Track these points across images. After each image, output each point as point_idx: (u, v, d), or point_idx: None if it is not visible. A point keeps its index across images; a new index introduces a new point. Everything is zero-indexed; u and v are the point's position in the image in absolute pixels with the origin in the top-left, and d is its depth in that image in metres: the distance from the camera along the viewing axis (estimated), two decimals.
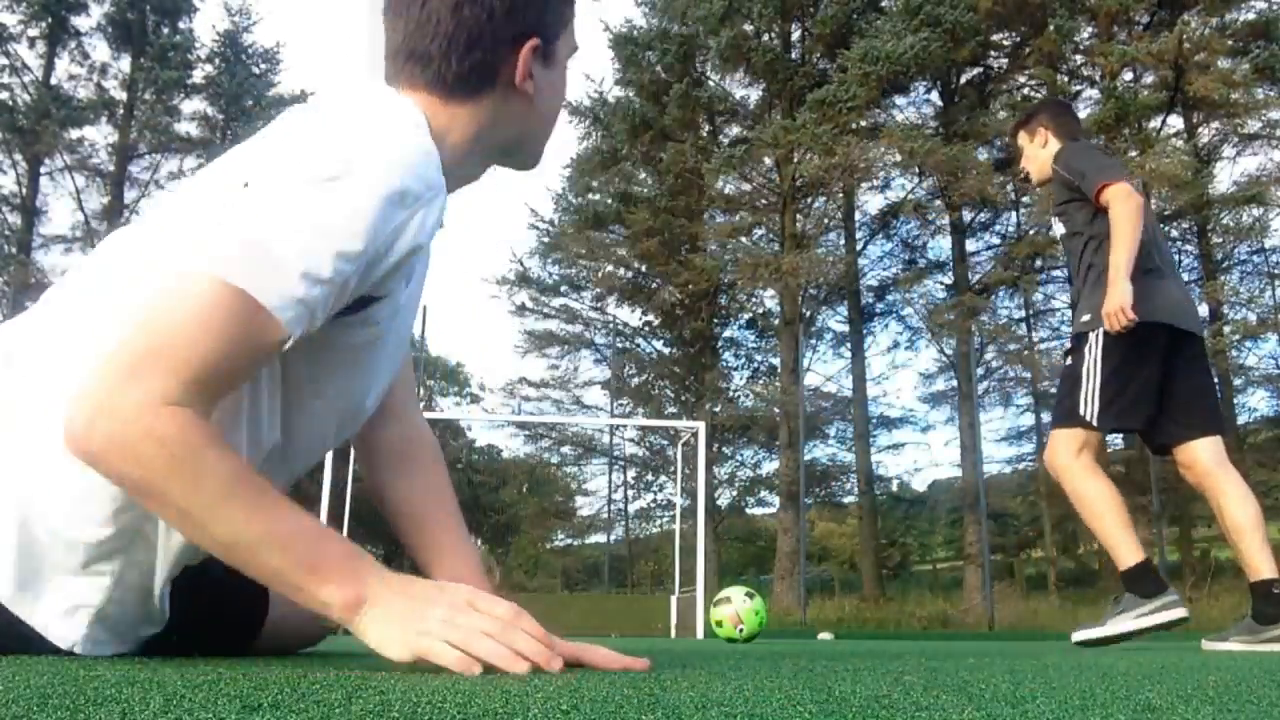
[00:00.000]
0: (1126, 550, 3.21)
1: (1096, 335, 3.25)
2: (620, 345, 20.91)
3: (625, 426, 19.01)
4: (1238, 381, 17.93)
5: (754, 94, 20.40)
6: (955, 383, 19.16)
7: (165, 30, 20.82)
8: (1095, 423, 3.23)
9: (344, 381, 1.24)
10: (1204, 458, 3.22)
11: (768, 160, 18.99)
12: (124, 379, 0.98)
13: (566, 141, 21.60)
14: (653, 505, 22.82)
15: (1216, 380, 16.64)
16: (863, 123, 18.08)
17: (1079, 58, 18.83)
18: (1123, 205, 3.20)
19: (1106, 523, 3.29)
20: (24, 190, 19.44)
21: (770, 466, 20.45)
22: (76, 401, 1.00)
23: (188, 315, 1.00)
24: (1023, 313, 20.79)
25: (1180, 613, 3.12)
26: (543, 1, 1.27)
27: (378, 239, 1.06)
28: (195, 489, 1.00)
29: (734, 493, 21.57)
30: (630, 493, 21.19)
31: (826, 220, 20.42)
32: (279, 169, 1.08)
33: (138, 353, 1.00)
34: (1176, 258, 19.25)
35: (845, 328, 20.90)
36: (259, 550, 1.03)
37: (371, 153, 1.07)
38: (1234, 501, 3.11)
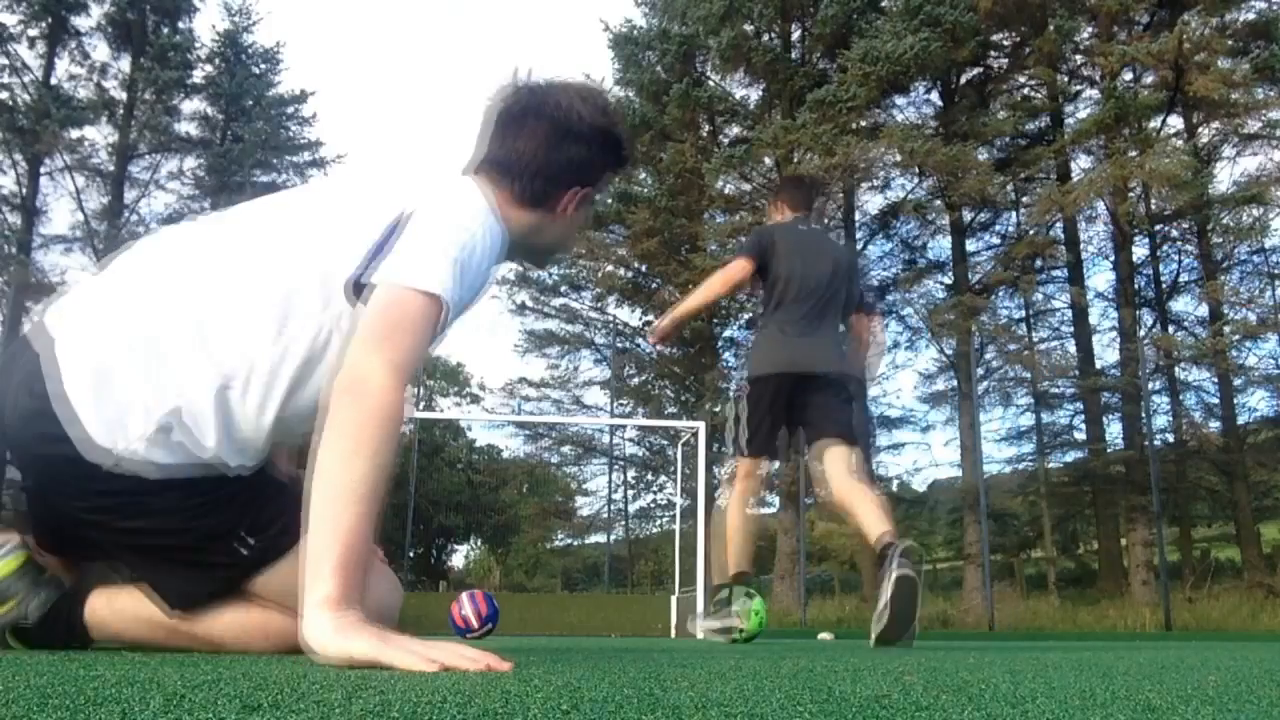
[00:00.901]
0: (736, 566, 4.02)
1: (740, 390, 4.17)
2: (620, 345, 20.90)
3: (625, 426, 19.00)
4: (1238, 381, 17.90)
5: (754, 94, 20.40)
6: (955, 383, 19.14)
7: (165, 30, 20.79)
8: (745, 452, 4.10)
9: None
10: (828, 458, 3.92)
11: (768, 160, 18.97)
12: (370, 350, 1.44)
13: None
14: (653, 505, 22.81)
15: (1216, 380, 16.49)
16: (863, 123, 18.06)
17: (1079, 58, 18.82)
18: (720, 271, 4.14)
19: (736, 542, 4.06)
20: (24, 190, 19.41)
21: (770, 466, 20.42)
22: (349, 358, 1.45)
23: (409, 316, 1.48)
24: (1023, 313, 20.79)
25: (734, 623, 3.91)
26: (600, 168, 1.84)
27: (481, 280, 1.64)
28: (373, 440, 1.38)
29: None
30: (630, 493, 21.18)
31: (826, 220, 20.41)
32: (436, 222, 1.58)
33: (379, 334, 1.45)
34: (1176, 258, 19.36)
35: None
36: (345, 511, 1.33)
37: (486, 229, 1.63)
38: (832, 486, 3.92)
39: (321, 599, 1.27)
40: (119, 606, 1.67)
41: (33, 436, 1.51)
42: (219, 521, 1.59)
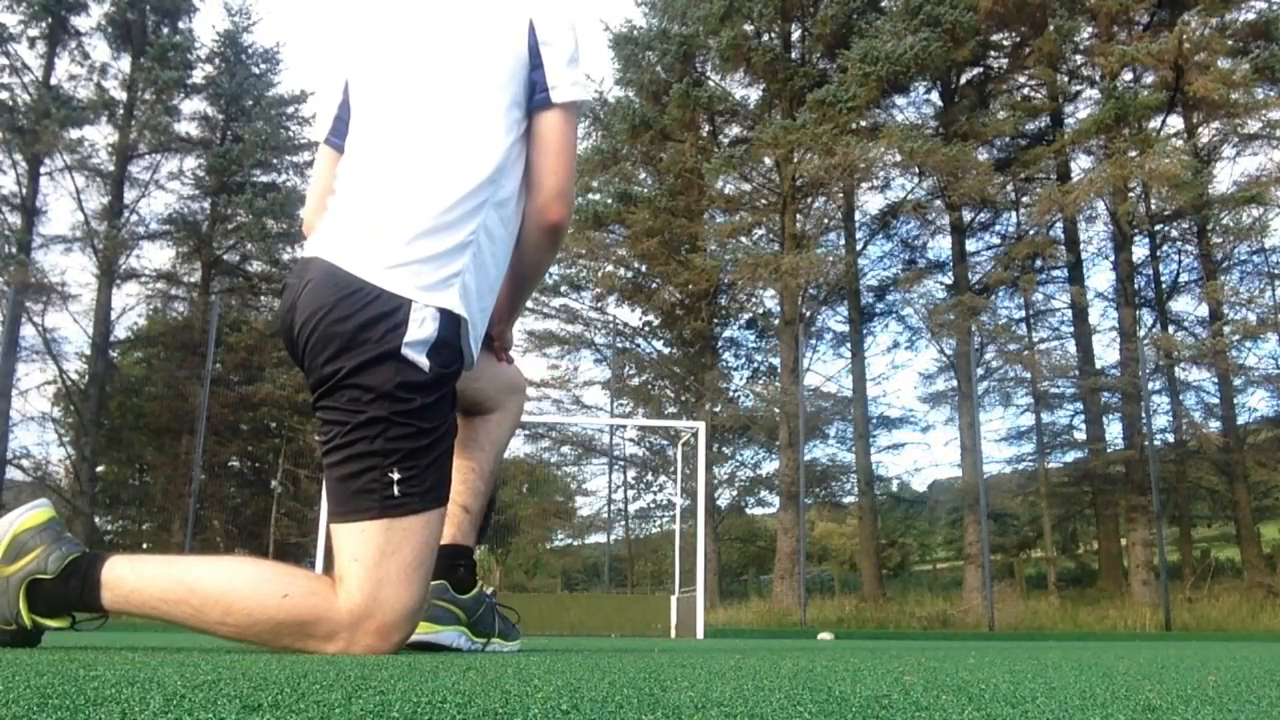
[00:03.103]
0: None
1: None
2: (620, 345, 20.90)
3: (625, 426, 19.00)
4: (1238, 381, 17.90)
5: (754, 94, 20.41)
6: (955, 383, 19.15)
7: (165, 30, 20.79)
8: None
9: None
10: None
11: (768, 160, 18.97)
12: (573, 184, 1.96)
13: None
14: (653, 505, 22.82)
15: (1216, 381, 16.69)
16: (863, 123, 18.06)
17: (1079, 58, 18.83)
18: None
19: None
20: (24, 190, 19.40)
21: (770, 466, 20.45)
22: (564, 197, 1.94)
23: (575, 128, 1.96)
24: (1023, 313, 20.80)
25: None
26: None
27: None
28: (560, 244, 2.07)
29: (734, 493, 21.56)
30: (630, 493, 21.19)
31: (826, 220, 20.40)
32: (559, 30, 1.94)
33: (574, 166, 1.96)
34: (1176, 258, 19.39)
35: (845, 328, 20.90)
36: (531, 285, 2.16)
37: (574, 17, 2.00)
38: None
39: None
40: (139, 566, 1.69)
41: (336, 324, 1.74)
42: (411, 448, 1.74)
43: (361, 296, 1.74)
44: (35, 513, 1.71)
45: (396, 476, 1.71)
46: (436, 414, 1.78)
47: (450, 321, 1.78)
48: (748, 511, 24.10)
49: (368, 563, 1.69)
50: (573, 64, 1.94)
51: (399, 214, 1.80)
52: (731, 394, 20.44)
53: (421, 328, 1.74)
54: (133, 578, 1.67)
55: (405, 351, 1.73)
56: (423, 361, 1.74)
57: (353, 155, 1.96)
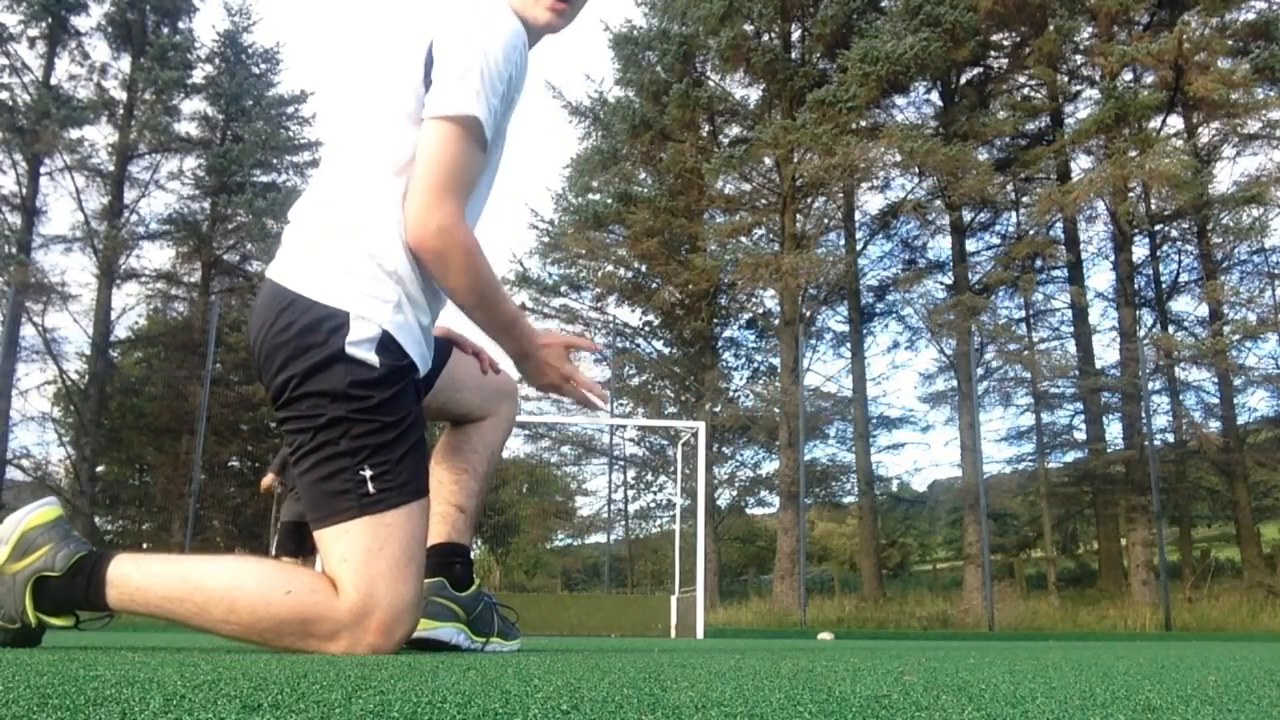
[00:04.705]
0: None
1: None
2: (620, 345, 20.89)
3: (625, 426, 18.99)
4: (1238, 381, 17.90)
5: (754, 94, 20.40)
6: (955, 383, 19.14)
7: (165, 30, 20.80)
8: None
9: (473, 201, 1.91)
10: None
11: (768, 160, 18.97)
12: (438, 201, 1.75)
13: (566, 141, 21.62)
14: (653, 505, 22.80)
15: (1216, 380, 16.68)
16: (863, 123, 18.05)
17: (1079, 58, 18.82)
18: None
19: None
20: (24, 190, 19.40)
21: (770, 466, 20.44)
22: (417, 216, 1.75)
23: (459, 150, 1.76)
24: (1023, 313, 20.79)
25: None
26: None
27: (510, 72, 1.82)
28: (479, 272, 1.82)
29: (734, 493, 21.55)
30: (630, 493, 21.18)
31: (826, 220, 20.40)
32: (455, 43, 1.78)
33: (442, 182, 1.75)
34: (1176, 258, 19.40)
35: (845, 328, 20.89)
36: (499, 310, 1.90)
37: (499, 29, 1.81)
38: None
39: (514, 353, 2.01)
40: (144, 564, 1.70)
41: (279, 335, 1.76)
42: (379, 443, 1.75)
43: (300, 305, 1.76)
44: (43, 511, 1.72)
45: (369, 474, 1.72)
46: (397, 408, 1.77)
47: (389, 336, 1.77)
48: (748, 511, 24.10)
49: (357, 562, 1.69)
50: (465, 78, 1.76)
51: (330, 247, 1.81)
52: (731, 394, 20.44)
53: (365, 326, 1.75)
54: (138, 576, 1.68)
55: (351, 350, 1.73)
56: (371, 358, 1.74)
57: (312, 181, 2.01)
